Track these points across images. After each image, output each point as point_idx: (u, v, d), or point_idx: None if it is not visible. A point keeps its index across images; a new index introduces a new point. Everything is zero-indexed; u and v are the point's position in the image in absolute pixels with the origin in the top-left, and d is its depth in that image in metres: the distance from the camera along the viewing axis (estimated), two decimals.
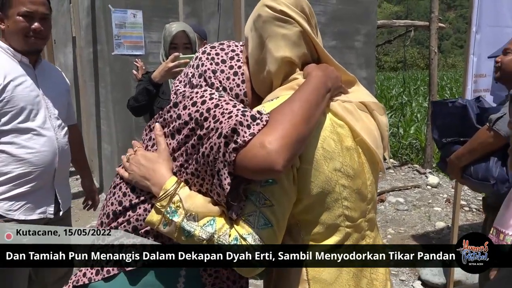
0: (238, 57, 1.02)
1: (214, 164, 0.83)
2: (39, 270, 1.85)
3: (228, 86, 0.99)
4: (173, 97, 1.04)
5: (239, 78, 1.00)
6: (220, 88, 0.98)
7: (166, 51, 2.40)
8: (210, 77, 0.99)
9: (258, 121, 0.82)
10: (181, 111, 0.90)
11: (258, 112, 0.85)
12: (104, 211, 1.01)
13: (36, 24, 1.67)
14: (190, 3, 4.32)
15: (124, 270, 0.92)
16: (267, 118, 0.83)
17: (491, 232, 1.37)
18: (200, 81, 1.00)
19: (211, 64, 1.00)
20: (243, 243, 0.83)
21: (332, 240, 0.94)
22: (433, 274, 2.94)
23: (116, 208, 0.97)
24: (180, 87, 1.04)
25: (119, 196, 0.98)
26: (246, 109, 0.85)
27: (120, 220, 0.96)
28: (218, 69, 1.00)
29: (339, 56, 5.08)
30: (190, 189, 0.90)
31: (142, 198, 0.95)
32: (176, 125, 0.90)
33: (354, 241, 0.98)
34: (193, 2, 4.35)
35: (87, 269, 0.96)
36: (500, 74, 1.89)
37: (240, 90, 0.99)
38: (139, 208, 0.94)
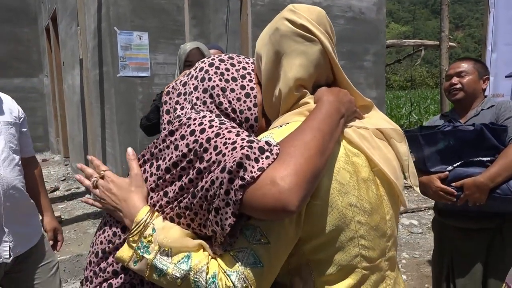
0: (250, 76, 0.93)
1: (213, 200, 0.73)
2: None
3: (238, 108, 0.89)
4: (164, 98, 0.95)
5: (251, 101, 0.90)
6: (229, 109, 0.88)
7: (180, 70, 2.38)
8: (218, 95, 0.89)
9: (268, 153, 0.72)
10: (179, 141, 0.80)
11: (267, 143, 0.75)
12: (93, 248, 0.92)
13: None
14: (197, 25, 4.31)
15: None
16: (277, 151, 0.73)
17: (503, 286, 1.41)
18: (204, 97, 0.90)
19: (220, 80, 0.90)
20: (224, 281, 0.72)
21: (346, 283, 0.84)
22: None
23: (106, 246, 0.88)
24: (173, 96, 0.95)
25: (108, 235, 0.89)
26: (253, 139, 0.76)
27: (110, 260, 0.87)
28: (228, 87, 0.90)
29: (348, 76, 4.97)
30: (180, 224, 0.81)
31: None
32: (173, 158, 0.80)
33: (372, 284, 0.87)
34: (201, 24, 4.33)
35: None
36: (464, 95, 2.00)
37: (251, 114, 0.90)
38: None
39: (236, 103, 0.90)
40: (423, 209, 5.02)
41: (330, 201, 0.79)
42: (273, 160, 0.71)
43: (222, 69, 0.92)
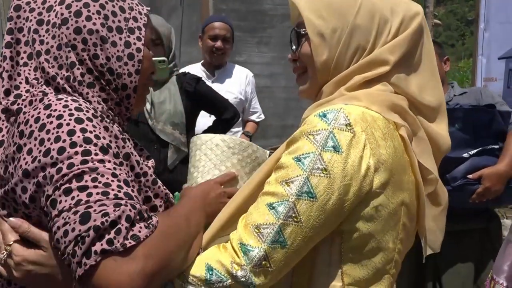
0: (140, 33, 0.86)
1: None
2: None
3: (116, 70, 0.83)
4: (10, 12, 0.82)
5: (133, 65, 0.85)
6: (105, 68, 0.82)
7: None
8: (96, 45, 0.81)
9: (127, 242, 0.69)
10: (29, 164, 0.71)
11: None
12: None
13: None
14: None
15: None
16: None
17: (488, 276, 1.55)
18: (75, 39, 0.79)
19: (102, 25, 0.81)
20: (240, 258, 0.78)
21: None
22: None
23: None
24: (26, 16, 0.82)
25: None
26: (117, 210, 0.68)
27: None
28: (109, 38, 0.82)
29: None
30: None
31: None
32: (23, 197, 0.74)
33: None
34: None
35: None
36: None
37: (131, 82, 0.85)
38: None
39: (115, 62, 0.83)
40: None
41: (388, 194, 0.84)
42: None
43: (108, 10, 0.82)
